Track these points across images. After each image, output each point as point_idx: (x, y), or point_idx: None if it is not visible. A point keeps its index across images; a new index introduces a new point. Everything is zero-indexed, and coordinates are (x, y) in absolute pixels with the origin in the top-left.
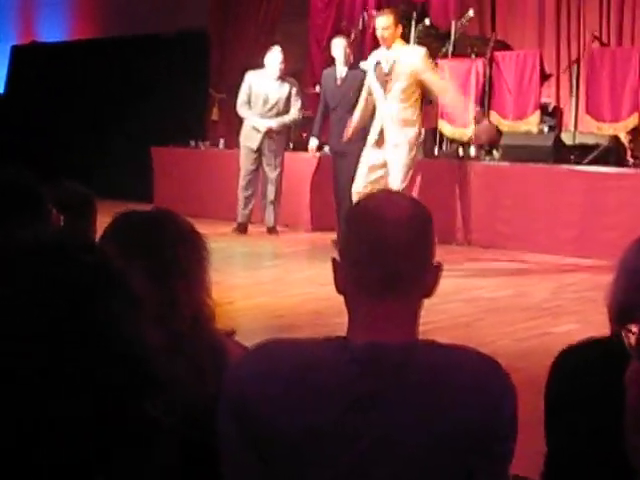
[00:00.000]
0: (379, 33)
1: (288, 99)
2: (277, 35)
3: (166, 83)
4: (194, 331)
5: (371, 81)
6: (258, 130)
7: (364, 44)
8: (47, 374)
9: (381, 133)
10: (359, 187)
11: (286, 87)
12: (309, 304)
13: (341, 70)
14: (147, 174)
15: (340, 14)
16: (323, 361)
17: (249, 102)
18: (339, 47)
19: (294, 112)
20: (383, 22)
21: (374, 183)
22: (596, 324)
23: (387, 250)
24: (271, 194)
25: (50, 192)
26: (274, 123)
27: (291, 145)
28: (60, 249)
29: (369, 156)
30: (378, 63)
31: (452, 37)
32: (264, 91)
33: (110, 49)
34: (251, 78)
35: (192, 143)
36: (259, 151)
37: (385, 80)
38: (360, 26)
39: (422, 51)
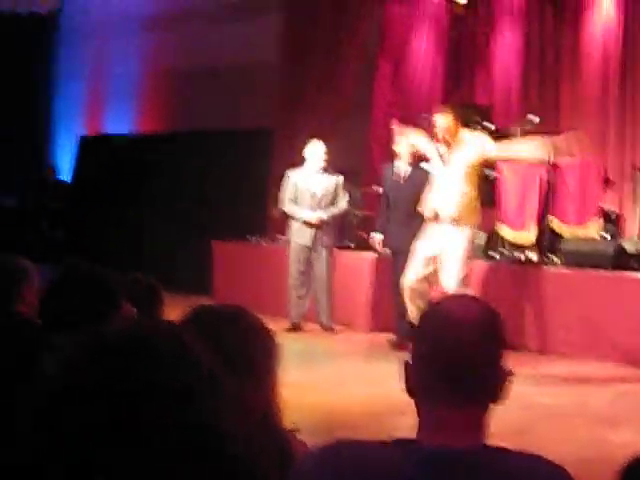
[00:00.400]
0: (440, 135)
1: (335, 192)
2: (339, 133)
3: (228, 178)
4: (262, 429)
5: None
6: (310, 224)
7: None
8: (149, 476)
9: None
10: (410, 281)
11: (332, 180)
12: (365, 404)
13: (404, 168)
14: (207, 268)
15: (403, 115)
16: (392, 464)
17: (295, 200)
18: (403, 145)
19: (342, 204)
20: (443, 122)
21: (424, 280)
22: None
23: (459, 355)
24: (322, 292)
25: (121, 284)
26: (325, 215)
27: (352, 244)
28: (151, 343)
29: (422, 248)
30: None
31: None
32: (310, 186)
33: (175, 143)
34: (294, 176)
35: (252, 238)
36: (310, 247)
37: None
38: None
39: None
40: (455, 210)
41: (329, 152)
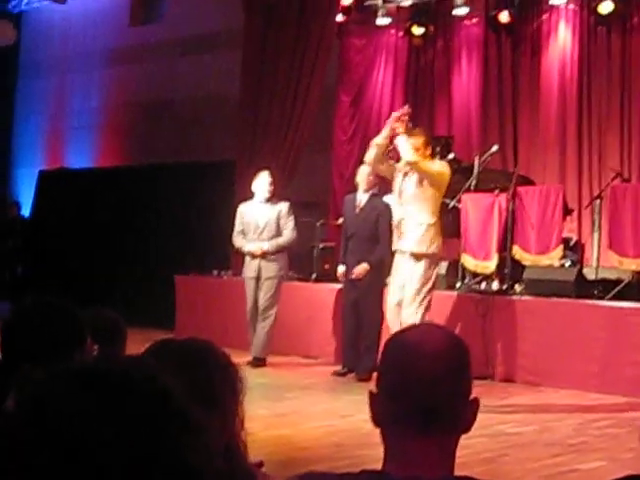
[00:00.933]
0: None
1: (278, 221)
2: (301, 166)
3: (190, 212)
4: (227, 462)
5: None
6: (254, 255)
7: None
8: None
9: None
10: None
11: (276, 209)
12: (330, 436)
13: (361, 197)
14: (169, 302)
15: (363, 147)
16: None
17: (243, 233)
18: (362, 174)
19: (287, 233)
20: (413, 142)
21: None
22: (623, 462)
23: (425, 384)
24: (260, 322)
25: (86, 318)
26: (266, 245)
27: (314, 275)
28: (125, 378)
29: (393, 280)
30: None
31: (475, 171)
32: (254, 217)
33: (135, 177)
34: (242, 209)
35: (215, 272)
36: (257, 279)
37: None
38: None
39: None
40: (414, 243)
41: (292, 185)
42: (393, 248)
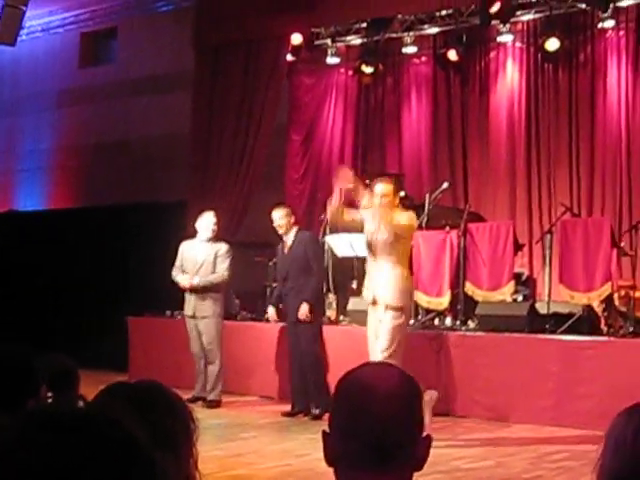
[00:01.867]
0: (377, 200)
1: (216, 260)
2: (253, 205)
3: (142, 253)
4: None
5: None
6: (189, 291)
7: None
8: None
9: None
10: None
11: (214, 248)
12: (287, 476)
13: (287, 238)
14: (122, 344)
15: (315, 186)
16: None
17: (182, 269)
18: (277, 219)
19: (219, 271)
20: (382, 189)
21: None
22: None
23: (375, 422)
24: (210, 368)
25: (40, 364)
26: (197, 279)
27: (267, 315)
28: (90, 423)
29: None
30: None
31: (426, 208)
32: (193, 255)
33: (86, 218)
34: (184, 246)
35: (168, 313)
36: (193, 317)
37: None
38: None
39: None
40: (388, 295)
41: (244, 224)
42: (367, 300)
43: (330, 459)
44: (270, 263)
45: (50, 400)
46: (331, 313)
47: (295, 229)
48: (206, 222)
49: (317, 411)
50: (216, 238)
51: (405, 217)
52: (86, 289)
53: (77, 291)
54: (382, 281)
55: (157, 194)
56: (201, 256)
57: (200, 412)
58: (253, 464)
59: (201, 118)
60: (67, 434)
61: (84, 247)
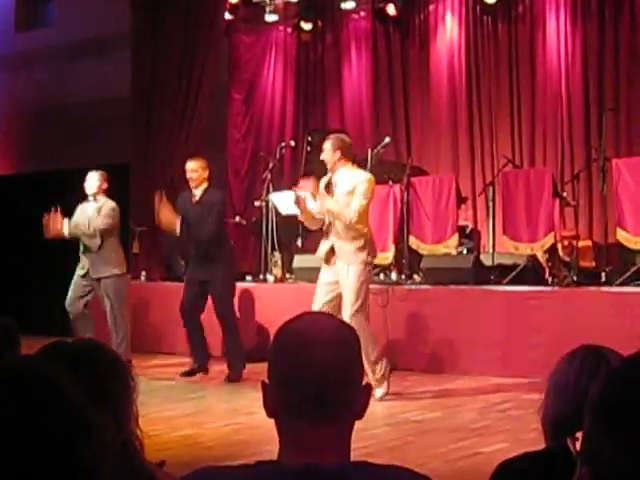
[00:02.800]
0: (323, 156)
1: (99, 214)
2: None
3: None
4: (123, 461)
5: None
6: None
7: (283, 173)
8: None
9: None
10: (315, 308)
11: (99, 205)
12: (236, 434)
13: (196, 192)
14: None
15: (257, 145)
16: None
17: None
18: (191, 169)
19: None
20: (325, 146)
21: (329, 303)
22: (525, 442)
23: (314, 370)
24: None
25: None
26: (65, 229)
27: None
28: (17, 377)
29: (323, 275)
30: (329, 184)
31: (369, 164)
32: (83, 215)
33: (27, 184)
34: (77, 208)
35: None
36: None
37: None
38: (277, 156)
39: (367, 175)
40: (345, 253)
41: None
42: (320, 257)
43: (270, 410)
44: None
45: None
46: (277, 271)
47: (205, 185)
48: (89, 182)
49: (235, 373)
50: (100, 195)
51: (362, 183)
52: (31, 253)
53: (23, 255)
54: (345, 248)
55: (101, 157)
56: (86, 214)
57: (147, 374)
58: (203, 423)
59: (141, 79)
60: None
61: (30, 213)
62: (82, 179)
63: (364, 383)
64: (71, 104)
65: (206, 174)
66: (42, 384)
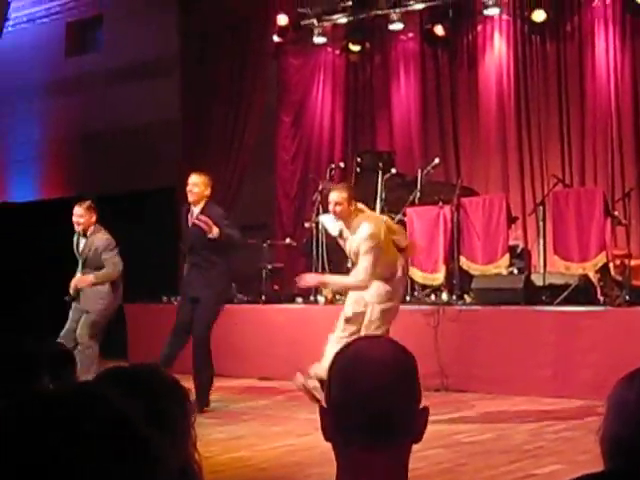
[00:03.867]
0: (331, 207)
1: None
2: (244, 188)
3: (136, 239)
4: None
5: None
6: None
7: None
8: None
9: None
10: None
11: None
12: (289, 456)
13: (196, 209)
14: (120, 331)
15: (306, 166)
16: None
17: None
18: (192, 183)
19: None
20: (335, 197)
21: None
22: (579, 464)
23: (372, 395)
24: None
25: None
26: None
27: (263, 297)
28: (81, 403)
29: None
30: (341, 234)
31: (419, 185)
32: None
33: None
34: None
35: (164, 299)
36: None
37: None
38: (327, 177)
39: (365, 232)
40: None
41: (236, 208)
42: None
43: (327, 434)
44: (264, 245)
45: (50, 386)
46: (327, 293)
47: (203, 203)
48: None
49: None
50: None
51: (365, 240)
52: None
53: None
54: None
55: (148, 181)
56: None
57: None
58: (255, 445)
59: (190, 103)
60: (55, 411)
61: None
62: (129, 202)
63: (421, 407)
64: (120, 128)
65: (207, 192)
66: (106, 410)
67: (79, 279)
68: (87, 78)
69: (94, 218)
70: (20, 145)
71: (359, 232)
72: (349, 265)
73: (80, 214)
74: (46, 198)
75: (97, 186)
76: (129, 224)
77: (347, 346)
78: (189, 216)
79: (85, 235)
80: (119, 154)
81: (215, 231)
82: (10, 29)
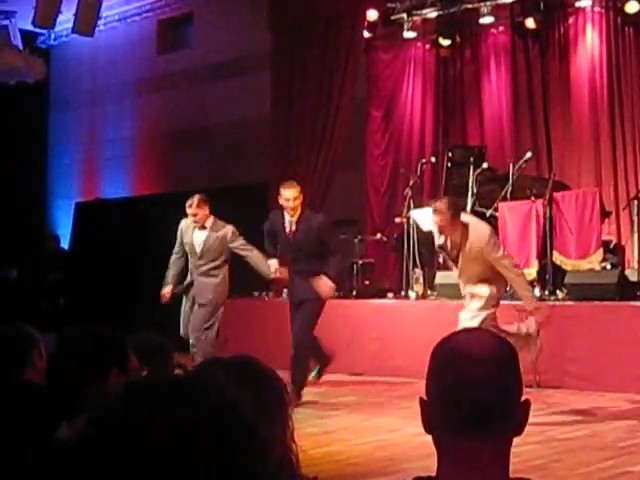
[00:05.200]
0: (434, 220)
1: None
2: (335, 184)
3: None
4: (280, 474)
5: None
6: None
7: (422, 190)
8: None
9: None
10: None
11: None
12: (381, 451)
13: (293, 219)
14: None
15: (397, 161)
16: None
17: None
18: (291, 196)
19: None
20: (439, 207)
21: None
22: None
23: (474, 386)
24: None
25: (131, 342)
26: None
27: (354, 292)
28: (195, 392)
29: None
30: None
31: (510, 179)
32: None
33: (171, 204)
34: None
35: (256, 294)
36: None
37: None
38: (418, 172)
39: (486, 234)
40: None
41: (327, 203)
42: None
43: (428, 426)
44: (355, 240)
45: (145, 374)
46: (418, 288)
47: (299, 210)
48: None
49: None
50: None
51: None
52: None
53: (164, 275)
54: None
55: (240, 177)
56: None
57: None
58: (346, 440)
59: (281, 99)
60: (169, 402)
61: (168, 232)
62: (221, 199)
63: (523, 399)
64: (211, 124)
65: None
66: (215, 397)
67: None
68: (178, 75)
69: (208, 211)
70: (112, 143)
71: (479, 233)
72: (440, 260)
73: (194, 212)
74: (138, 195)
75: (188, 183)
76: (221, 220)
77: (447, 338)
78: (285, 224)
79: (204, 227)
80: (210, 151)
81: (329, 293)
82: (102, 28)
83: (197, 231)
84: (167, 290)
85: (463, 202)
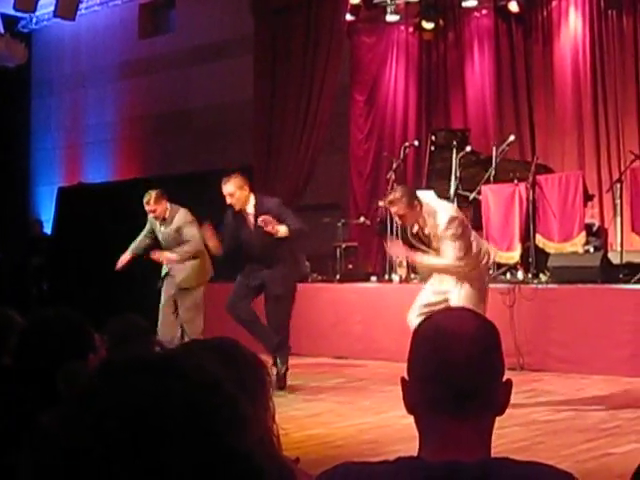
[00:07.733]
0: (393, 212)
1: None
2: (318, 168)
3: (211, 218)
4: (260, 454)
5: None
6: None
7: (406, 174)
8: None
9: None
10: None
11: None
12: (365, 434)
13: (248, 210)
14: None
15: (380, 145)
16: None
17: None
18: (231, 191)
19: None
20: (392, 198)
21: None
22: None
23: (456, 366)
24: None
25: (112, 325)
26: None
27: (338, 276)
28: (175, 367)
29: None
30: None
31: (494, 162)
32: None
33: (153, 188)
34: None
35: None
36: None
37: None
38: (401, 156)
39: (444, 220)
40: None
41: (310, 187)
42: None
43: (410, 406)
44: (338, 224)
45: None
46: (402, 271)
47: (253, 198)
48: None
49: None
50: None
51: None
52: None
53: (146, 261)
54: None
55: (222, 161)
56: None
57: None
58: (331, 423)
59: (263, 83)
60: (150, 375)
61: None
62: (203, 183)
63: (504, 379)
64: (193, 109)
65: (247, 191)
66: (196, 372)
67: None
68: (160, 60)
69: (166, 204)
70: (94, 127)
71: (439, 218)
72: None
73: (152, 208)
74: (119, 179)
75: (170, 167)
76: (203, 204)
77: (430, 317)
78: (244, 219)
79: (164, 220)
80: (193, 135)
81: (282, 230)
82: (83, 12)
83: (159, 225)
84: (124, 257)
85: (446, 185)
